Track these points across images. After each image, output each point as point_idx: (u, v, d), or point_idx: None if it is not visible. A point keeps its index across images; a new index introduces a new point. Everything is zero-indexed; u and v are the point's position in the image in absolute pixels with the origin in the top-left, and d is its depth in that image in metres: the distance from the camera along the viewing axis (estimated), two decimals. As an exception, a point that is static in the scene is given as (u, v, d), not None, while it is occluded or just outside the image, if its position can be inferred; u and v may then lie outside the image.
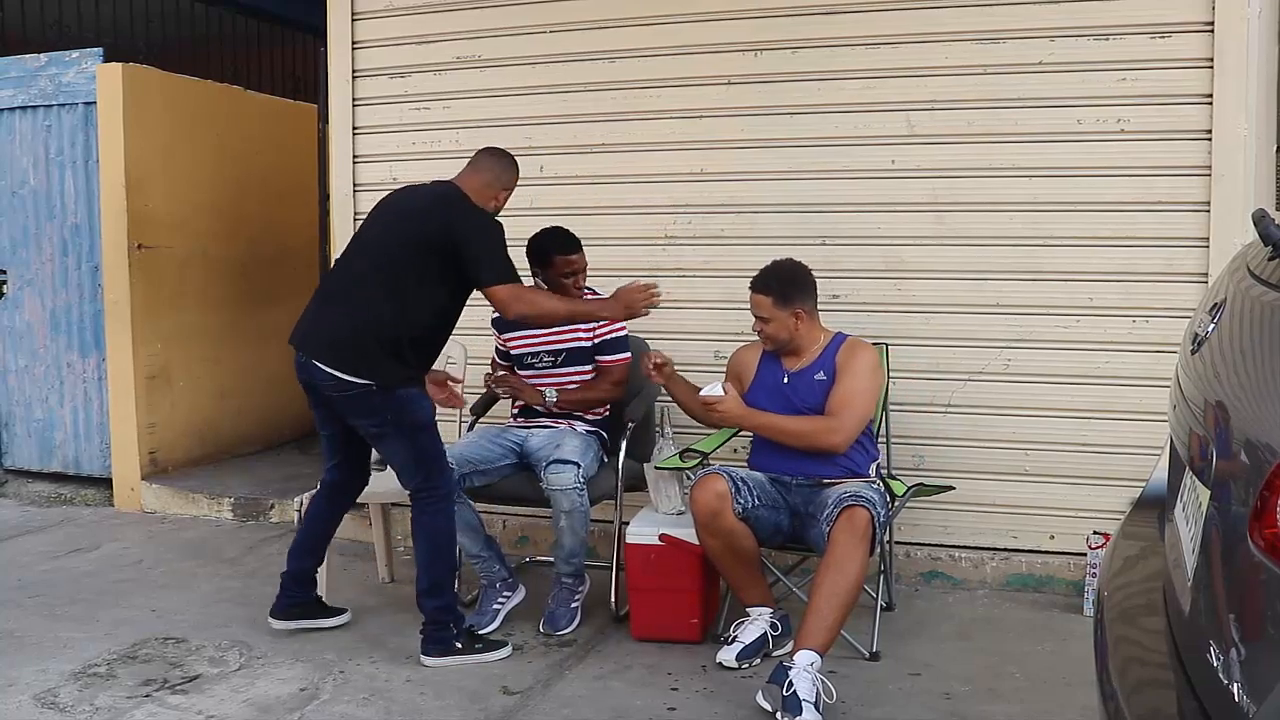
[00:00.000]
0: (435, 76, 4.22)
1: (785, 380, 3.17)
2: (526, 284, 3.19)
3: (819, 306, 3.51)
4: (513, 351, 3.60)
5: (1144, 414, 3.44)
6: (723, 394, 3.06)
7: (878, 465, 3.26)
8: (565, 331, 3.53)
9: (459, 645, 3.08)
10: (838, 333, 3.24)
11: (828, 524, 2.88)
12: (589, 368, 3.55)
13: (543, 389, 3.51)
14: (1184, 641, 1.38)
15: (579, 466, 3.25)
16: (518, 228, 4.04)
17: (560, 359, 3.54)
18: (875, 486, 3.09)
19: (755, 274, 3.19)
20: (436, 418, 3.12)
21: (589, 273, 3.57)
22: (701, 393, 3.09)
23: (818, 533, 2.94)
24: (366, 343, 2.96)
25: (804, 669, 2.66)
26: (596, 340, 3.55)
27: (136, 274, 4.95)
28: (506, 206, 4.11)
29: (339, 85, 4.35)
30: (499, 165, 3.19)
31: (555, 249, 3.45)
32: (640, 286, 3.12)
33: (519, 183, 4.07)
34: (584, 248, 3.53)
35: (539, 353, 3.56)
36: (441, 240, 2.95)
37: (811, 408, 3.10)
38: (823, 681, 2.69)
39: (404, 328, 2.97)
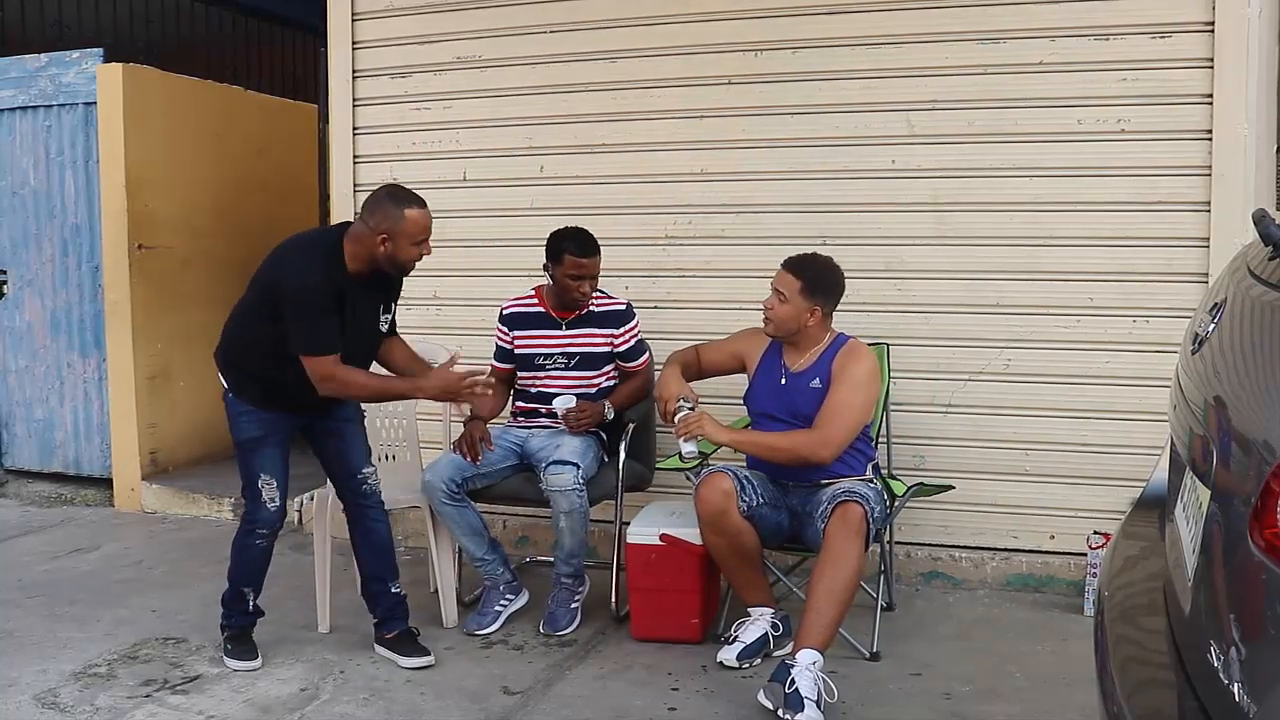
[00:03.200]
0: (436, 76, 4.22)
1: (784, 381, 3.17)
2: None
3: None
4: (518, 352, 3.59)
5: (1144, 414, 3.44)
6: (691, 409, 3.06)
7: (874, 465, 3.26)
8: (581, 334, 3.52)
9: (226, 649, 3.13)
10: (840, 334, 3.22)
11: (822, 521, 2.89)
12: (599, 372, 3.54)
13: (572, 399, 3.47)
14: (1184, 641, 1.38)
15: (578, 467, 3.25)
16: (519, 228, 4.07)
17: (573, 362, 3.53)
18: (871, 484, 3.09)
19: (791, 256, 3.14)
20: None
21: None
22: (677, 418, 3.06)
23: (814, 531, 2.94)
24: (223, 346, 3.15)
25: (806, 667, 2.67)
26: (620, 348, 3.55)
27: (137, 274, 4.95)
28: (507, 206, 4.15)
29: (339, 85, 4.35)
30: (371, 210, 2.93)
31: (570, 248, 3.41)
32: (461, 375, 2.94)
33: (521, 181, 4.11)
34: (600, 254, 3.47)
35: (553, 354, 3.54)
36: (271, 295, 2.94)
37: (807, 415, 3.08)
38: (824, 680, 2.69)
39: (246, 350, 3.07)
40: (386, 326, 3.15)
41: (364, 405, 3.32)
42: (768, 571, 3.24)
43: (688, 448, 3.06)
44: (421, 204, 2.96)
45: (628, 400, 3.54)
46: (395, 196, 2.94)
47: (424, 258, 2.99)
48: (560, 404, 3.43)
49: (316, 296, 2.85)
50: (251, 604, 3.15)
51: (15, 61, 5.18)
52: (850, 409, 3.04)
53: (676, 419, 3.09)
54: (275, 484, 3.07)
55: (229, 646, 3.12)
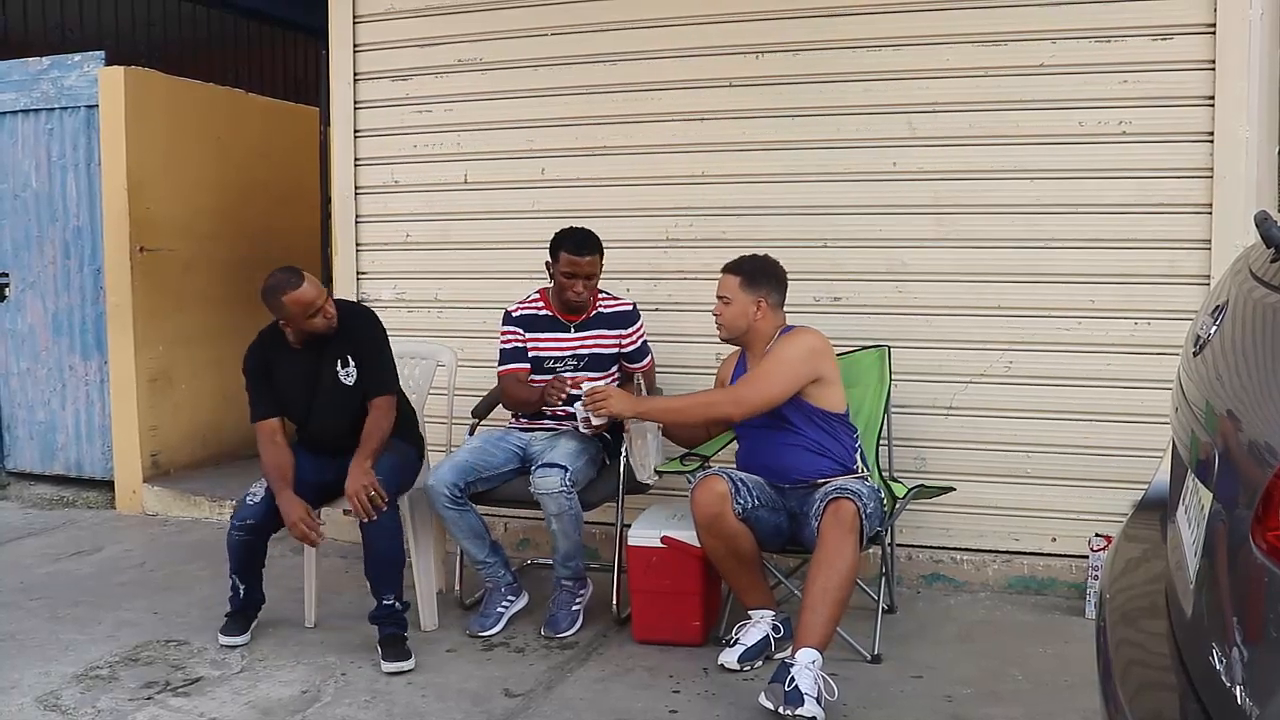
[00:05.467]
0: (437, 79, 4.22)
1: None
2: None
3: (818, 308, 3.52)
4: (532, 353, 3.58)
5: (1146, 416, 3.44)
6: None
7: (860, 452, 3.24)
8: (590, 336, 3.52)
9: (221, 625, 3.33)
10: (787, 325, 3.23)
11: (816, 519, 2.89)
12: (606, 373, 3.53)
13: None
14: (1186, 644, 1.38)
15: (566, 470, 3.24)
16: (519, 230, 4.07)
17: (583, 364, 3.52)
18: (864, 480, 3.09)
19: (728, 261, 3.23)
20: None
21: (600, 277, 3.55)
22: (585, 388, 3.17)
23: (810, 531, 2.94)
24: None
25: (805, 666, 2.67)
26: (627, 349, 3.55)
27: (138, 276, 4.96)
28: (508, 209, 4.16)
29: (340, 88, 4.36)
30: (268, 305, 3.20)
31: (566, 245, 3.43)
32: (308, 526, 3.14)
33: (522, 184, 4.12)
34: (599, 253, 3.46)
35: (565, 357, 3.54)
36: None
37: (775, 410, 3.09)
38: (824, 679, 2.69)
39: None
40: (352, 381, 3.28)
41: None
42: (768, 574, 3.23)
43: (582, 414, 3.17)
44: (288, 286, 3.13)
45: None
46: (273, 289, 3.13)
47: (330, 316, 3.19)
48: (582, 407, 3.40)
49: (247, 374, 3.32)
50: (241, 595, 3.30)
51: (17, 64, 5.19)
52: (767, 376, 3.06)
53: (584, 387, 3.22)
54: (263, 484, 3.26)
55: (223, 623, 3.31)
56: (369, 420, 3.25)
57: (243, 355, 3.33)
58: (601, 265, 3.49)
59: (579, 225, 3.52)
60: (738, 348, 3.31)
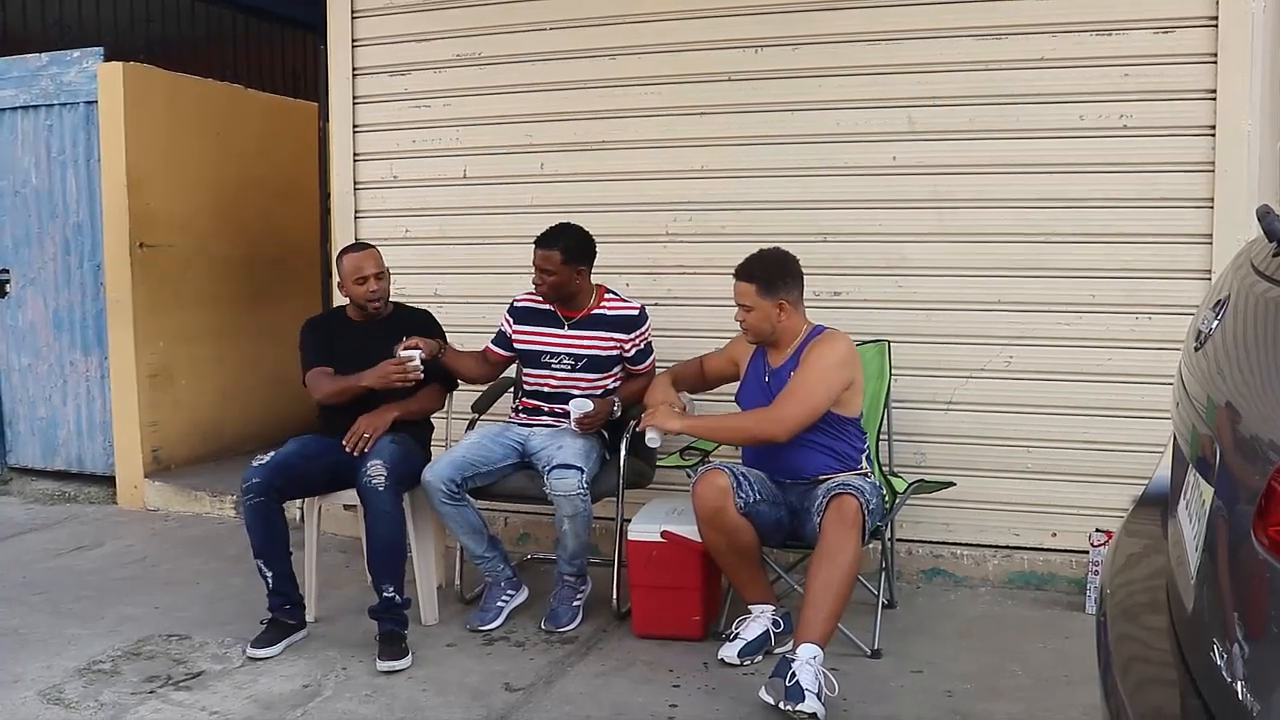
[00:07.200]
0: (435, 74, 4.22)
1: (767, 379, 3.17)
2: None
3: (818, 302, 3.50)
4: (520, 346, 3.58)
5: (1147, 411, 3.43)
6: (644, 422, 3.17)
7: (867, 455, 3.24)
8: (587, 336, 3.50)
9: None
10: (816, 325, 3.19)
11: (818, 515, 2.89)
12: (607, 374, 3.53)
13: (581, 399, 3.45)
14: (1187, 639, 1.38)
15: (582, 472, 3.24)
16: (518, 226, 4.07)
17: (580, 364, 3.51)
18: (866, 477, 3.09)
19: (739, 265, 3.14)
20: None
21: (594, 272, 3.53)
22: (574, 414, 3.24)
23: (812, 527, 2.94)
24: None
25: (806, 661, 2.67)
26: (628, 352, 3.53)
27: (138, 272, 4.95)
28: (507, 204, 4.15)
29: (339, 83, 4.35)
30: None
31: (537, 239, 3.46)
32: (396, 362, 3.31)
33: (521, 179, 4.12)
34: (560, 248, 3.39)
35: (559, 354, 3.52)
36: None
37: None
38: (825, 675, 2.69)
39: None
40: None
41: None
42: (769, 569, 3.23)
43: (576, 414, 3.28)
44: (356, 249, 3.54)
45: (632, 399, 3.53)
46: (343, 249, 3.57)
47: (375, 292, 3.45)
48: (575, 408, 3.39)
49: (306, 333, 3.55)
50: (271, 583, 3.19)
51: (16, 61, 5.18)
52: (806, 390, 3.01)
53: (572, 413, 3.34)
54: (271, 453, 3.29)
55: (256, 632, 3.20)
56: (420, 392, 3.46)
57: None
58: (568, 264, 3.39)
59: (575, 222, 3.51)
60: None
